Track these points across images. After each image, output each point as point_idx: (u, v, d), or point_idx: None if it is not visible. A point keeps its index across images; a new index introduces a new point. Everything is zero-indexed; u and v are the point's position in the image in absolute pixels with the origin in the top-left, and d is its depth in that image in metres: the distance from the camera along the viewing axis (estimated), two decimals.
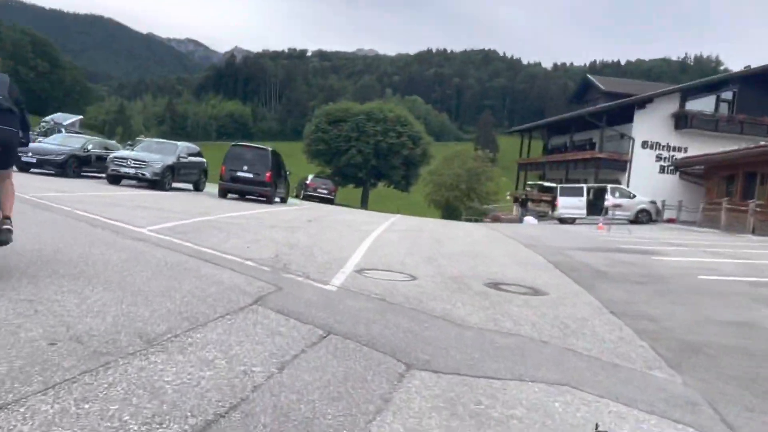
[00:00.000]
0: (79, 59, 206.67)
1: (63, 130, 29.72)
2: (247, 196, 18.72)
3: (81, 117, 36.60)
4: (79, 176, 18.67)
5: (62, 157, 17.97)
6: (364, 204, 40.68)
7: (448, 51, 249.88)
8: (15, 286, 4.50)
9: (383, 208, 42.69)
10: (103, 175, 18.52)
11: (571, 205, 26.41)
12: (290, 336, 4.22)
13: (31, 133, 5.36)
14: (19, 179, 14.70)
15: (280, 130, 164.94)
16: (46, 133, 27.52)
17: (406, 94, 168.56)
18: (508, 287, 7.17)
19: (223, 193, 18.51)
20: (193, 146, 21.40)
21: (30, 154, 17.81)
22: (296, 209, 18.62)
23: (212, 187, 21.64)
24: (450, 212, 48.31)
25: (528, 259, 10.24)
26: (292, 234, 10.11)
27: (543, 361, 4.37)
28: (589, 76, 45.64)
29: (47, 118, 32.70)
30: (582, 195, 26.52)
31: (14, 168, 5.12)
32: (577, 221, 26.41)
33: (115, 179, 17.88)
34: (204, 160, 21.19)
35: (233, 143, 19.77)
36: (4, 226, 4.84)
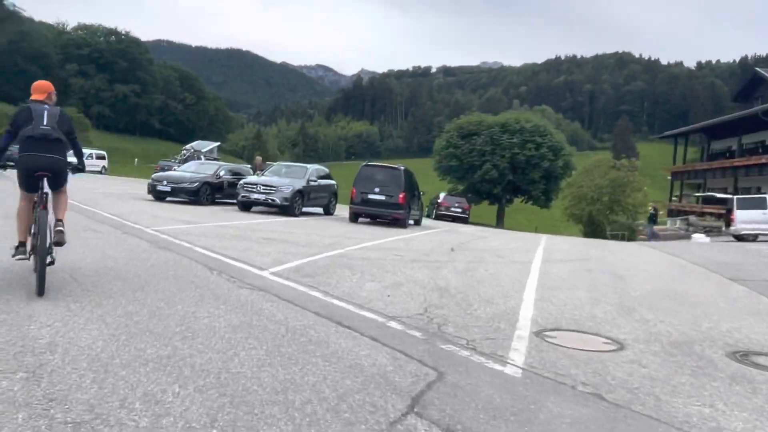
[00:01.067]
0: (221, 90, 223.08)
1: (202, 156, 30.58)
2: (378, 219, 17.36)
3: (219, 143, 37.85)
4: (212, 203, 18.35)
5: (195, 184, 17.70)
6: (499, 222, 38.10)
7: (578, 56, 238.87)
8: (71, 390, 3.09)
9: (517, 226, 39.95)
10: (235, 201, 18.04)
11: (752, 219, 22.32)
12: None
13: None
14: (149, 210, 14.38)
15: (406, 147, 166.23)
16: (186, 160, 28.33)
17: (535, 104, 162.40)
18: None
19: (354, 217, 17.28)
20: (323, 168, 20.52)
21: (165, 182, 17.75)
22: (433, 234, 16.92)
23: (342, 209, 20.62)
24: (593, 228, 44.24)
25: (758, 305, 7.64)
26: (437, 272, 8.34)
27: None
28: (759, 69, 39.79)
29: (187, 146, 34.02)
30: (766, 207, 22.35)
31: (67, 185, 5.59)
32: (759, 238, 22.30)
33: (246, 206, 17.28)
34: (334, 182, 20.21)
35: (364, 163, 18.50)
36: (57, 228, 5.31)
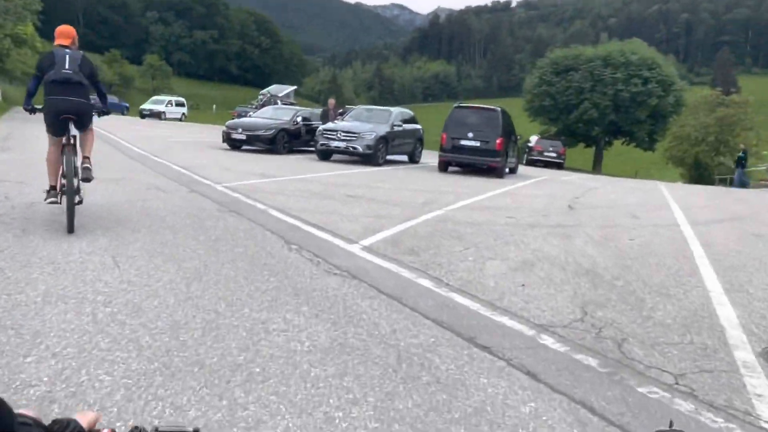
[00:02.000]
0: (296, 34, 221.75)
1: (278, 101, 29.42)
2: (468, 167, 15.55)
3: (295, 87, 36.44)
4: (290, 151, 17.06)
5: (271, 132, 16.36)
6: (596, 167, 35.01)
7: None
8: None
9: (611, 170, 36.74)
10: (313, 149, 16.67)
11: None
12: None
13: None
14: (223, 161, 13.14)
15: (485, 87, 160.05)
16: (263, 105, 27.20)
17: (625, 37, 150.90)
18: None
19: (443, 166, 15.52)
20: (407, 111, 18.63)
21: (240, 130, 16.55)
22: (535, 185, 14.93)
23: (428, 156, 18.92)
24: (699, 172, 40.21)
25: None
26: (570, 243, 6.56)
27: None
28: None
29: (264, 91, 32.86)
30: None
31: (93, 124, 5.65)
32: None
33: (325, 155, 15.85)
34: (419, 126, 18.35)
35: (456, 104, 16.50)
36: (84, 165, 5.44)
